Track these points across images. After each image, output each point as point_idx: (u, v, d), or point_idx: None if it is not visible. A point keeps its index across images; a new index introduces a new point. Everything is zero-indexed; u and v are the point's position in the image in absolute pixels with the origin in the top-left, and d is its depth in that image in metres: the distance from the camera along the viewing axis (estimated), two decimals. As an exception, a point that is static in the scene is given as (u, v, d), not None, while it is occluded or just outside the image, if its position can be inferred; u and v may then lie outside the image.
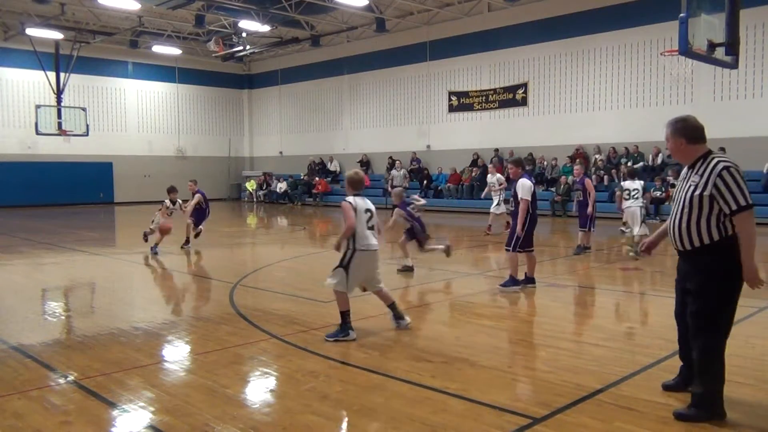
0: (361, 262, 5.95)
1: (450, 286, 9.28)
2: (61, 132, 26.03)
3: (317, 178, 29.12)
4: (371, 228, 6.00)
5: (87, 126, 26.61)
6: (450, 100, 25.66)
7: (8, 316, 7.16)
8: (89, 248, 13.53)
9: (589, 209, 11.45)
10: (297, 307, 7.61)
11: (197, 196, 13.40)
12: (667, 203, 18.56)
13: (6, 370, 5.08)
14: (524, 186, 7.99)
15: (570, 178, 20.68)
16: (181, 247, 13.08)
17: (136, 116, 31.47)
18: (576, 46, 21.69)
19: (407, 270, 9.67)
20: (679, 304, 4.31)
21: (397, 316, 6.31)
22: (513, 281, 8.18)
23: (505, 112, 23.99)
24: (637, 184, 11.57)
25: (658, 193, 18.70)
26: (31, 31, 24.58)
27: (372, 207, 6.13)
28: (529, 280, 8.34)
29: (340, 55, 29.60)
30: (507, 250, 8.25)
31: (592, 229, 11.73)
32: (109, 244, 15.82)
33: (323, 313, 7.38)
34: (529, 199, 7.96)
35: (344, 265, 5.94)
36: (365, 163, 28.58)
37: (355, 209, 5.90)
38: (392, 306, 6.32)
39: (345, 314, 5.95)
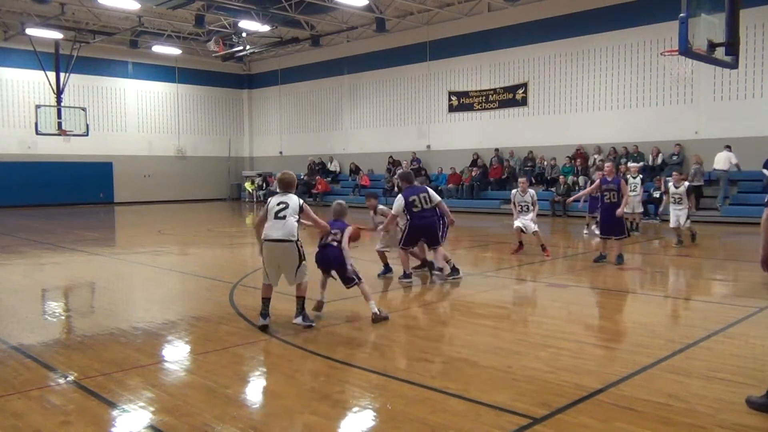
0: (265, 253, 6.34)
1: (450, 286, 9.28)
2: (61, 132, 26.03)
3: (318, 177, 29.14)
4: (281, 218, 6.24)
5: (87, 126, 26.61)
6: (450, 100, 25.65)
7: (8, 316, 7.16)
8: (89, 248, 13.53)
9: (620, 211, 10.57)
10: (297, 307, 7.59)
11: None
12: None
13: (6, 370, 5.08)
14: (396, 201, 8.98)
15: (570, 177, 20.71)
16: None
17: (136, 116, 31.47)
18: (576, 46, 21.69)
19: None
20: None
21: (299, 313, 6.39)
22: (405, 275, 8.94)
23: (505, 112, 23.98)
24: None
25: (657, 194, 18.67)
26: (31, 31, 24.58)
27: (287, 200, 6.32)
28: (427, 264, 9.37)
29: (340, 55, 29.60)
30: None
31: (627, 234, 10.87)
32: (109, 244, 15.82)
33: (323, 312, 7.38)
34: (397, 213, 8.88)
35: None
36: (355, 170, 28.56)
37: (267, 205, 6.43)
38: (301, 301, 6.43)
39: (263, 300, 6.40)
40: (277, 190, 6.64)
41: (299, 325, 6.31)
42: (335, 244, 6.82)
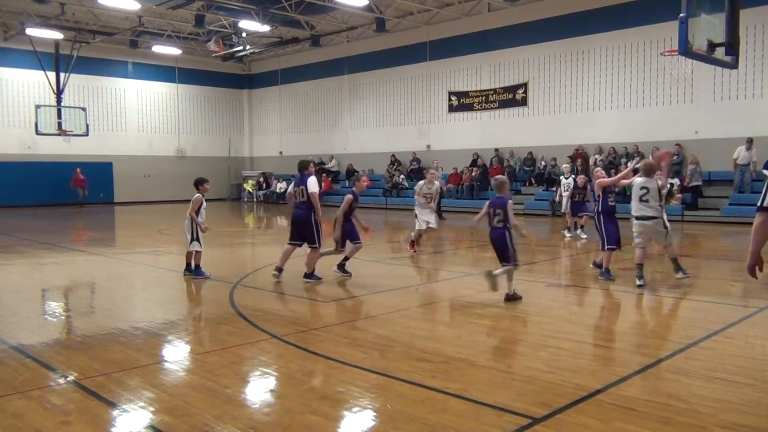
0: (637, 228, 8.41)
1: (450, 286, 9.28)
2: (61, 132, 26.05)
3: (324, 175, 29.13)
4: (645, 201, 8.27)
5: (87, 126, 26.63)
6: (450, 100, 25.66)
7: (8, 316, 7.15)
8: (89, 248, 13.53)
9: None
10: (297, 307, 7.61)
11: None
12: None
13: (6, 370, 5.08)
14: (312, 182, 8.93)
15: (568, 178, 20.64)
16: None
17: (136, 116, 31.47)
18: (576, 46, 21.69)
19: None
20: None
21: (677, 270, 8.47)
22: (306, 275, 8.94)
23: (505, 112, 23.99)
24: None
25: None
26: (31, 31, 24.58)
27: (648, 185, 8.28)
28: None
29: (340, 55, 29.60)
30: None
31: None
32: (109, 244, 15.82)
33: (323, 313, 7.39)
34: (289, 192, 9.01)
35: None
36: (352, 173, 28.59)
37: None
38: (676, 262, 8.49)
39: (638, 266, 8.40)
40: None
41: (681, 278, 8.33)
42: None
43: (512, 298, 7.55)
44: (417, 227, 11.95)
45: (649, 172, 8.32)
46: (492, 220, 7.58)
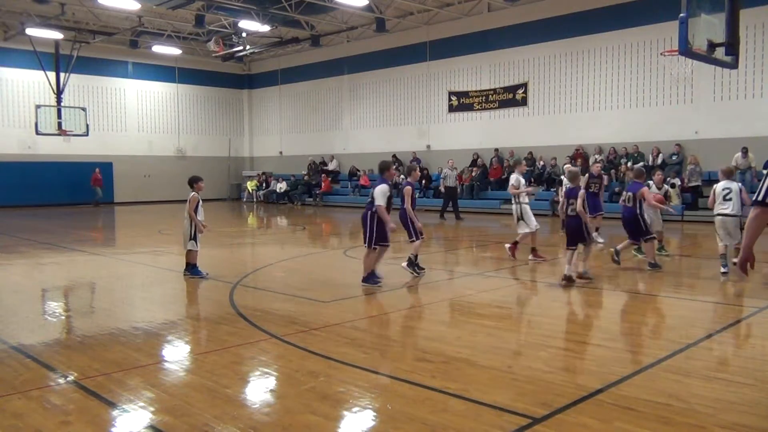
0: (719, 222, 9.29)
1: (450, 286, 9.28)
2: (61, 132, 26.05)
3: (324, 175, 29.15)
4: (729, 199, 9.11)
5: (87, 126, 26.64)
6: (450, 100, 25.65)
7: (8, 316, 7.15)
8: (89, 248, 13.53)
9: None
10: (297, 307, 7.60)
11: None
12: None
13: (6, 370, 5.08)
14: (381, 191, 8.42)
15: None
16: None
17: (136, 116, 31.46)
18: (576, 46, 21.69)
19: None
20: None
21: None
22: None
23: (505, 112, 23.98)
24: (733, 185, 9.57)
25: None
26: (31, 31, 24.58)
27: (731, 186, 9.15)
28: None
29: (340, 55, 29.60)
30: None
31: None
32: (109, 244, 15.82)
33: (323, 313, 7.39)
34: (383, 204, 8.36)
35: None
36: (354, 173, 28.61)
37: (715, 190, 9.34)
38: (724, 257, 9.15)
39: (722, 256, 9.24)
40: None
41: (725, 272, 8.96)
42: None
43: (585, 276, 8.69)
44: (523, 230, 10.71)
45: (728, 174, 9.29)
46: (567, 209, 8.65)
